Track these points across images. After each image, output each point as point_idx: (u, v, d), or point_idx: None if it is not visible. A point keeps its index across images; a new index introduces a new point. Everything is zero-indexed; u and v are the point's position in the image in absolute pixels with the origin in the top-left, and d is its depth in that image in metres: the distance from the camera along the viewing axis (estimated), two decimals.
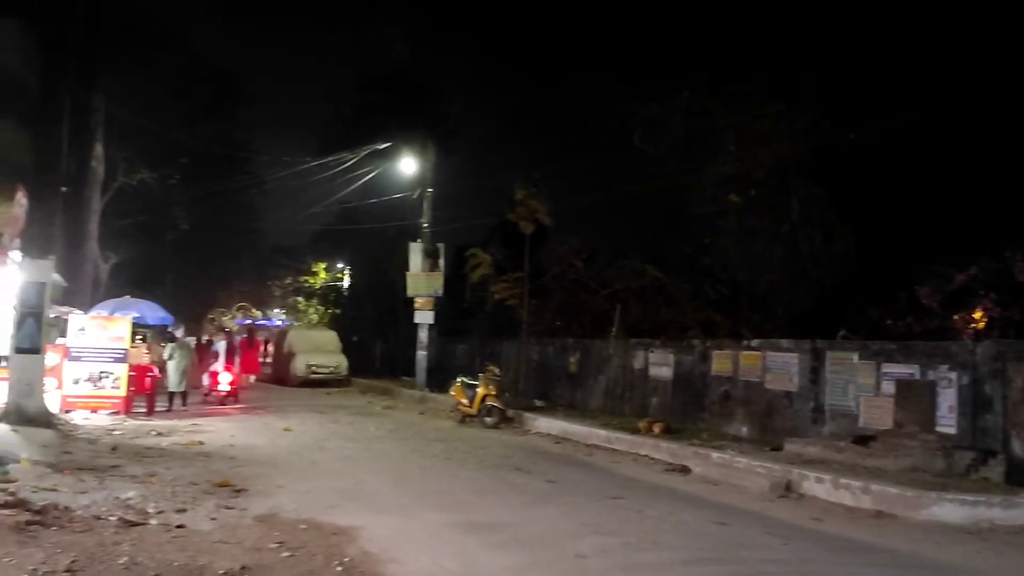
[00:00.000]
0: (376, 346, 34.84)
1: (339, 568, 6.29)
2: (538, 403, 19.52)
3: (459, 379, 18.65)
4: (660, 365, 17.42)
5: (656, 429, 14.77)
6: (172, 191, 31.42)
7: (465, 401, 17.89)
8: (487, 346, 24.86)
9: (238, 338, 23.97)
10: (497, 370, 18.40)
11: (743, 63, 18.31)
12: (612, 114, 23.02)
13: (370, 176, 27.55)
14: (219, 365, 20.30)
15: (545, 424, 16.93)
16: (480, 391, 17.49)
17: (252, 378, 25.83)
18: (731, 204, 18.39)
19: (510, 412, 17.75)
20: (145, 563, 6.08)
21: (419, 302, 24.72)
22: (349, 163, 27.11)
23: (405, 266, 25.35)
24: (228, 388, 20.34)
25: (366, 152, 26.73)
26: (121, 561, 6.08)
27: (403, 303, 26.82)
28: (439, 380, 23.23)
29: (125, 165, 27.84)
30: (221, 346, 20.55)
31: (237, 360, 21.03)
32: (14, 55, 27.52)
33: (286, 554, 6.61)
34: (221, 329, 21.52)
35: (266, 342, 32.97)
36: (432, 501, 9.21)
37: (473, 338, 27.07)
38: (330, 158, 27.12)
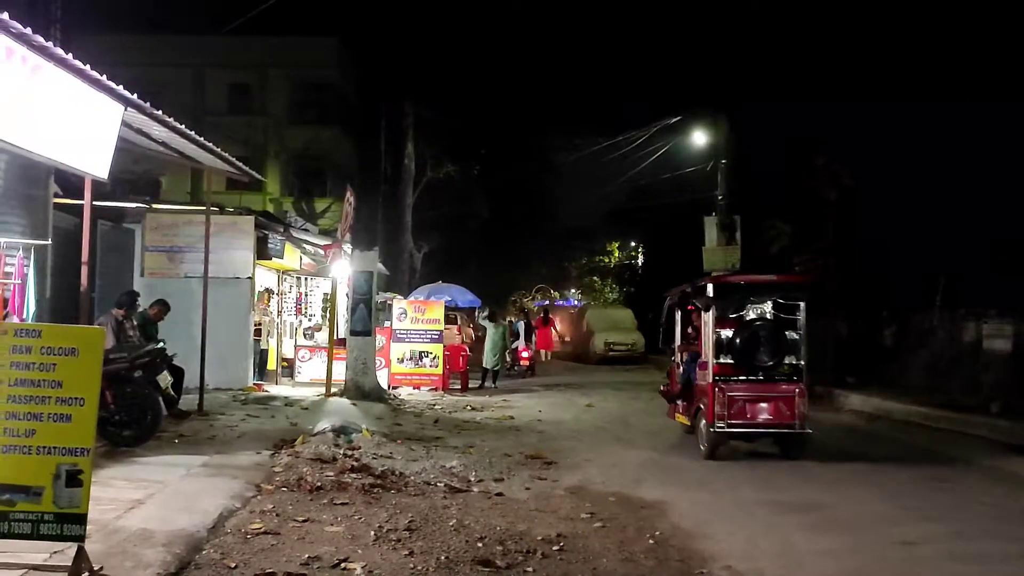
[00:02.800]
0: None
1: (651, 541, 6.32)
2: (848, 379, 18.20)
3: None
4: (995, 337, 15.39)
5: (994, 408, 13.10)
6: (474, 182, 33.61)
7: None
8: None
9: (535, 318, 25.44)
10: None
11: None
12: None
13: (662, 151, 27.34)
14: (519, 343, 21.86)
15: (857, 401, 15.75)
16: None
17: (547, 355, 27.12)
18: None
19: (817, 389, 16.72)
20: (472, 526, 6.55)
21: None
22: (640, 140, 27.11)
23: (701, 240, 24.83)
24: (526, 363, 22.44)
25: (657, 128, 26.53)
26: (451, 523, 6.59)
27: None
28: None
29: (432, 161, 30.22)
30: (520, 326, 22.14)
31: (533, 338, 23.02)
32: (335, 71, 31.04)
33: (598, 525, 6.77)
34: (520, 310, 23.03)
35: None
36: (739, 478, 8.95)
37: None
38: (620, 137, 27.27)
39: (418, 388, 17.43)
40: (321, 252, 17.26)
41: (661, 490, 8.13)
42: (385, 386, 16.18)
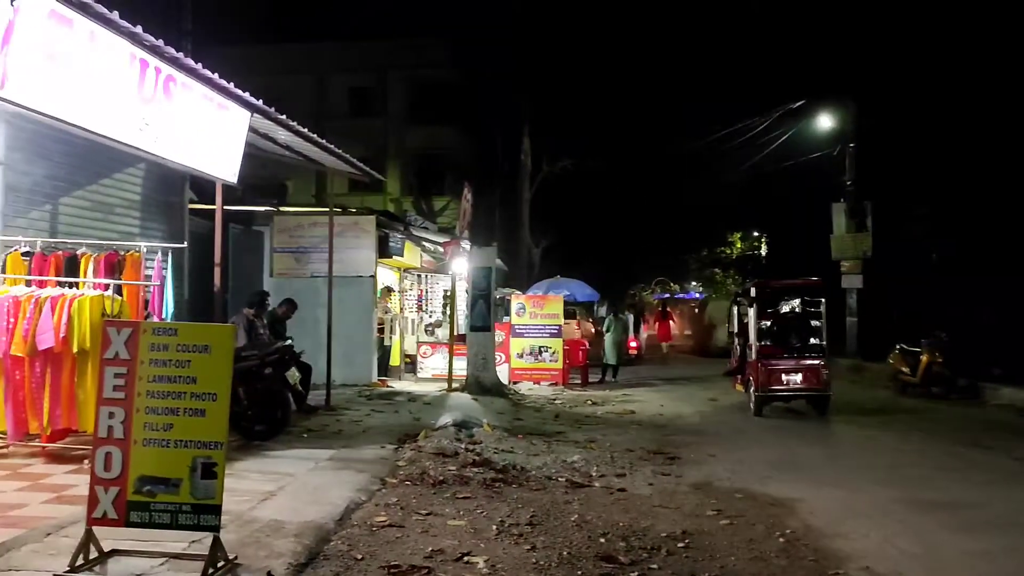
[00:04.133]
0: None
1: (781, 540, 6.04)
2: (995, 371, 16.98)
3: (898, 346, 16.99)
4: None
5: None
6: (590, 176, 33.33)
7: (906, 369, 16.25)
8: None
9: (653, 311, 25.43)
10: (944, 334, 16.37)
11: None
12: None
13: (784, 138, 26.32)
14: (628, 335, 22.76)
15: (1008, 394, 14.67)
16: (924, 358, 15.73)
17: (665, 346, 27.22)
18: None
19: (962, 381, 15.69)
20: (593, 521, 6.44)
21: (845, 265, 23.02)
22: (761, 127, 26.20)
23: (828, 228, 23.79)
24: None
25: (779, 113, 25.56)
26: (573, 518, 6.51)
27: (829, 268, 25.22)
28: (871, 348, 21.40)
29: (548, 155, 30.18)
30: (629, 318, 22.99)
31: (641, 329, 24.80)
32: (452, 70, 31.45)
33: (724, 522, 6.53)
34: (630, 304, 23.10)
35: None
36: (875, 475, 8.48)
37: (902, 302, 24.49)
38: (739, 124, 26.43)
39: (538, 383, 17.44)
40: (440, 249, 17.53)
41: (791, 487, 7.78)
42: (505, 381, 16.27)
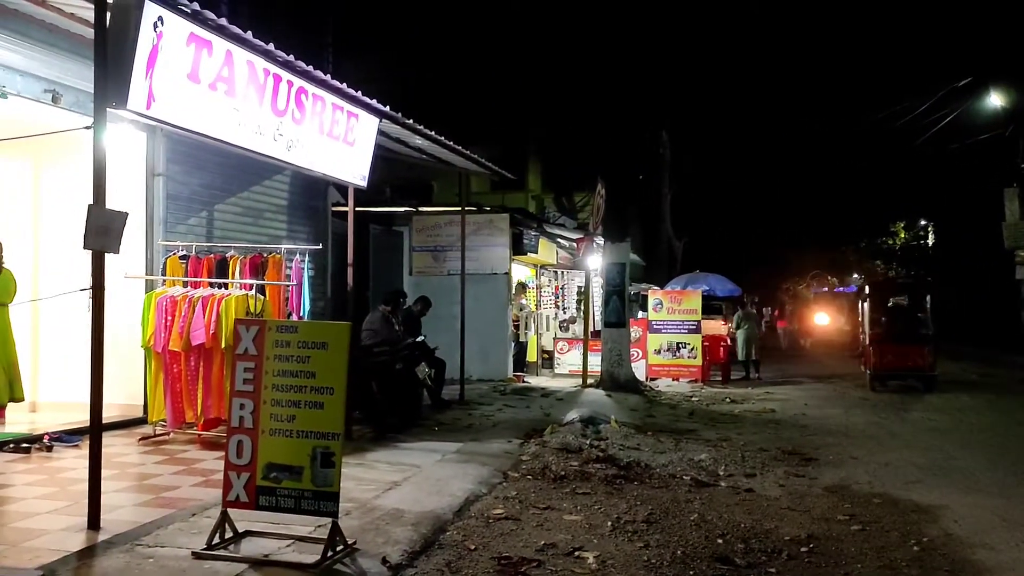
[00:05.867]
0: (971, 308, 31.03)
1: (915, 548, 5.70)
2: None
3: None
4: None
5: None
6: (736, 168, 32.41)
7: None
8: None
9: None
10: None
11: None
12: None
13: (951, 118, 24.55)
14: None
15: None
16: None
17: (807, 341, 27.89)
18: None
19: None
20: (713, 521, 6.31)
21: (1020, 255, 21.29)
22: (924, 108, 24.58)
23: (1001, 215, 22.07)
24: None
25: (943, 93, 23.87)
26: (692, 517, 6.40)
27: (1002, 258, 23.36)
28: None
29: (690, 148, 29.55)
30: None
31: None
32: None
33: (856, 527, 6.22)
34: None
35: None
36: None
37: None
38: (899, 106, 24.89)
39: (677, 379, 17.14)
40: (575, 245, 17.58)
41: (939, 493, 7.30)
42: (642, 377, 16.11)
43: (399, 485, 6.81)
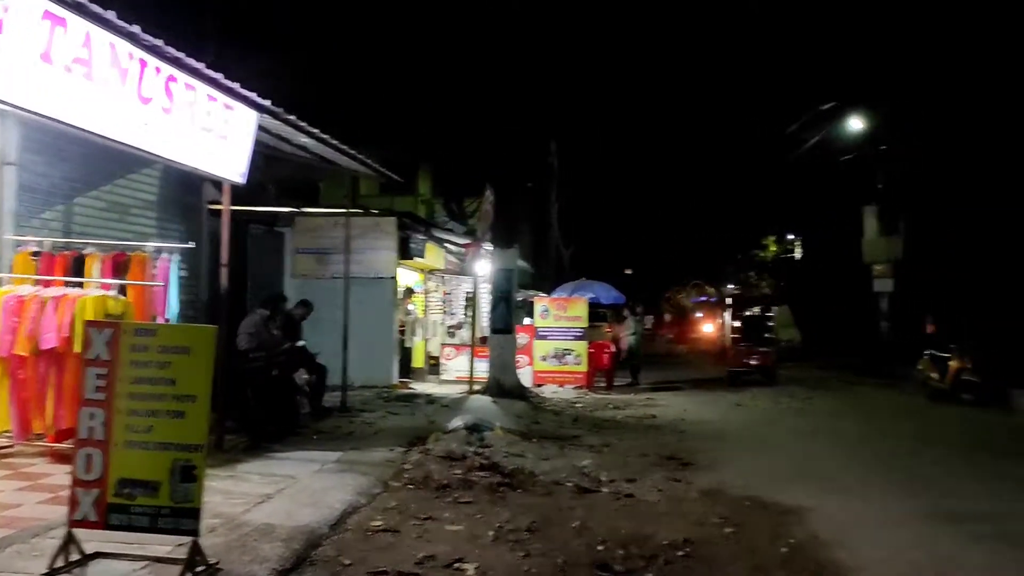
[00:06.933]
0: (833, 318, 32.78)
1: (783, 549, 5.85)
2: None
3: (927, 352, 16.55)
4: None
5: None
6: (622, 179, 33.14)
7: (935, 376, 15.80)
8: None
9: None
10: (974, 340, 15.90)
11: None
12: None
13: (813, 141, 25.85)
14: None
15: None
16: (953, 364, 15.24)
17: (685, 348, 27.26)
18: None
19: (991, 387, 15.19)
20: (594, 528, 6.29)
21: (877, 269, 22.58)
22: (793, 129, 25.81)
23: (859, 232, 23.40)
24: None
25: (807, 118, 25.12)
26: (574, 525, 6.37)
27: (861, 271, 24.74)
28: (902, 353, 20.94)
29: (576, 158, 29.98)
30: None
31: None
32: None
33: (729, 530, 6.34)
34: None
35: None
36: (895, 485, 8.24)
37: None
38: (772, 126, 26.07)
39: (562, 386, 17.23)
40: (463, 251, 17.44)
41: (805, 495, 7.54)
42: (529, 384, 16.11)
43: (271, 498, 6.47)
